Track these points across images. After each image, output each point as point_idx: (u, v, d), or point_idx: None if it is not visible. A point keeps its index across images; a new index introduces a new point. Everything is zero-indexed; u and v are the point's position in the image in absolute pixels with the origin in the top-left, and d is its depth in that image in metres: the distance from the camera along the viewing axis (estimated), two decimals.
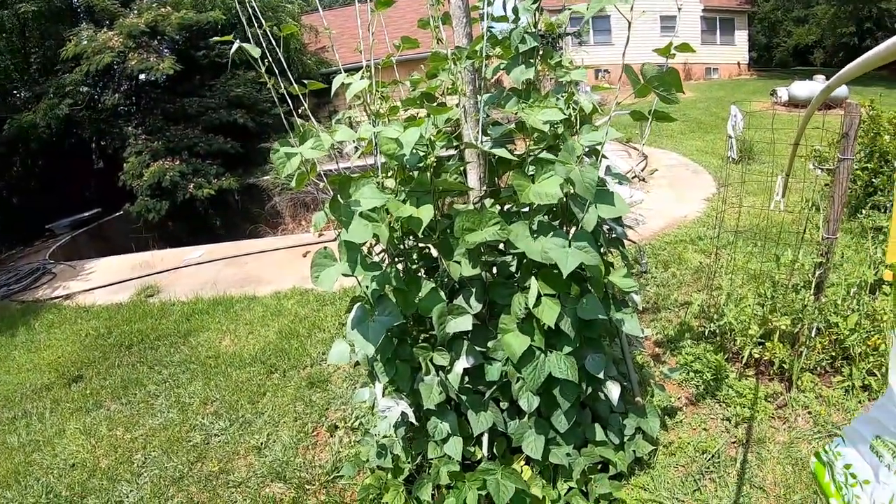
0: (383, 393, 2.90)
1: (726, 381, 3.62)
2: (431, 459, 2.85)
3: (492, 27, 2.87)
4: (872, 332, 3.65)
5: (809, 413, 3.49)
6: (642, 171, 8.97)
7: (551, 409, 2.68)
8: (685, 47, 2.32)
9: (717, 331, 3.84)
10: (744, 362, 3.68)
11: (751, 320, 3.65)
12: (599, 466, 2.97)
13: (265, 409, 3.73)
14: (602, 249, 2.72)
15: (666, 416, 3.45)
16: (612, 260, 2.86)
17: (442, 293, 2.53)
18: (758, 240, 4.95)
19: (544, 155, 2.30)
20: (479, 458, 2.89)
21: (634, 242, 5.50)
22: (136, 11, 12.29)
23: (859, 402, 3.56)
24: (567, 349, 2.48)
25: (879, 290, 3.97)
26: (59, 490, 3.28)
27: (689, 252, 5.73)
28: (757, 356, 3.69)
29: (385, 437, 2.99)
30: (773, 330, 3.64)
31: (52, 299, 5.91)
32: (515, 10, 2.82)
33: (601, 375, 2.57)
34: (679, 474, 3.12)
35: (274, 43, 2.49)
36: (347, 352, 2.70)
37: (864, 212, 5.45)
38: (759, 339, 3.68)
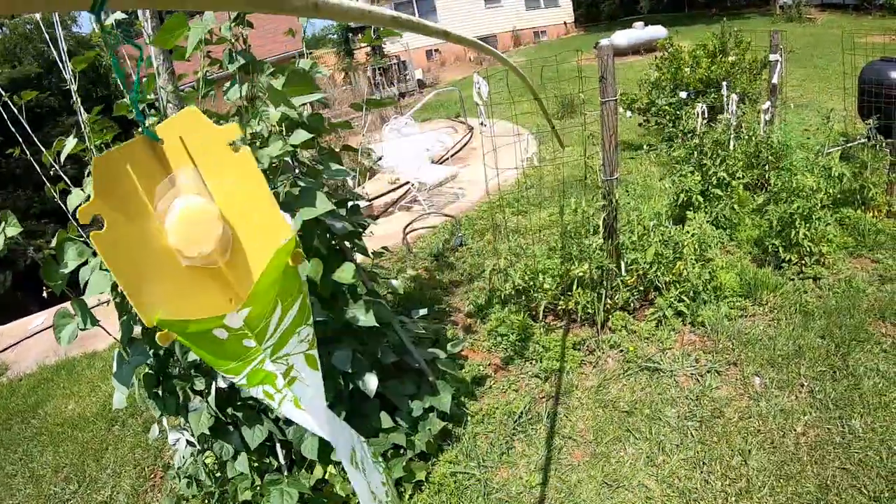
0: (169, 426, 2.96)
1: (532, 338, 3.72)
2: (231, 478, 2.92)
3: None
4: (675, 260, 3.77)
5: (621, 352, 3.61)
6: (462, 146, 9.06)
7: None
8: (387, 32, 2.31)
9: (520, 290, 3.93)
10: (542, 315, 3.78)
11: (543, 274, 3.75)
12: (402, 451, 3.04)
13: (108, 463, 3.75)
14: (335, 247, 2.80)
15: (475, 386, 3.55)
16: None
17: None
18: (556, 193, 5.06)
19: None
20: (275, 466, 2.96)
21: (451, 217, 5.61)
22: None
23: (673, 329, 3.68)
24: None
25: (686, 221, 4.10)
26: None
27: (507, 216, 5.84)
28: (564, 307, 3.80)
29: (189, 466, 3.05)
30: (573, 279, 3.74)
31: None
32: None
33: (348, 369, 2.64)
34: (488, 441, 3.21)
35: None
36: (125, 395, 2.74)
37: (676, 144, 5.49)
38: (561, 290, 3.78)
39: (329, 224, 2.63)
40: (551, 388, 3.45)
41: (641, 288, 3.84)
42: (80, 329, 2.44)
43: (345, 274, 2.58)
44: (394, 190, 6.69)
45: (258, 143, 2.44)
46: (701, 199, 4.31)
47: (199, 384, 2.72)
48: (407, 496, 2.97)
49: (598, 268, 3.67)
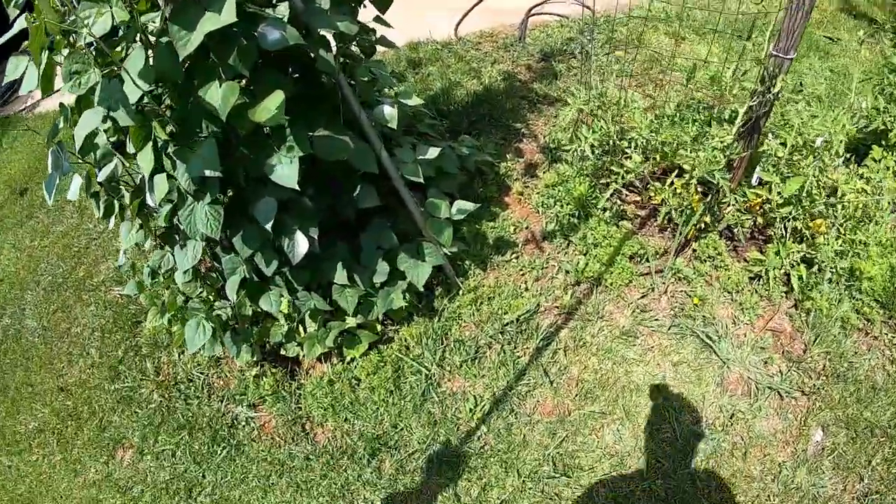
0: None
1: (589, 221, 2.83)
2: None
3: None
4: (823, 211, 2.50)
5: (685, 293, 2.64)
6: None
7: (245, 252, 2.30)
8: None
9: (600, 151, 2.89)
10: (607, 198, 2.81)
11: (629, 144, 2.66)
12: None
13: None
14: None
15: (494, 252, 2.88)
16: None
17: None
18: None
19: None
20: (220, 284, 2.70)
21: (591, 10, 4.09)
22: None
23: (767, 298, 2.59)
24: (208, 198, 2.03)
25: (869, 154, 2.63)
26: None
27: (658, 32, 4.18)
28: (649, 196, 2.78)
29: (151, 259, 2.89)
30: (675, 166, 2.64)
31: (22, 110, 5.48)
32: None
33: (268, 226, 2.09)
34: (464, 334, 2.64)
35: None
36: (78, 187, 2.47)
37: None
38: (654, 173, 2.72)
39: (260, 32, 1.78)
40: (573, 301, 2.66)
41: (761, 219, 2.66)
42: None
43: (268, 105, 1.81)
44: None
45: None
46: None
47: (125, 200, 2.39)
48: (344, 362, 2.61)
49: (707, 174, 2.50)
